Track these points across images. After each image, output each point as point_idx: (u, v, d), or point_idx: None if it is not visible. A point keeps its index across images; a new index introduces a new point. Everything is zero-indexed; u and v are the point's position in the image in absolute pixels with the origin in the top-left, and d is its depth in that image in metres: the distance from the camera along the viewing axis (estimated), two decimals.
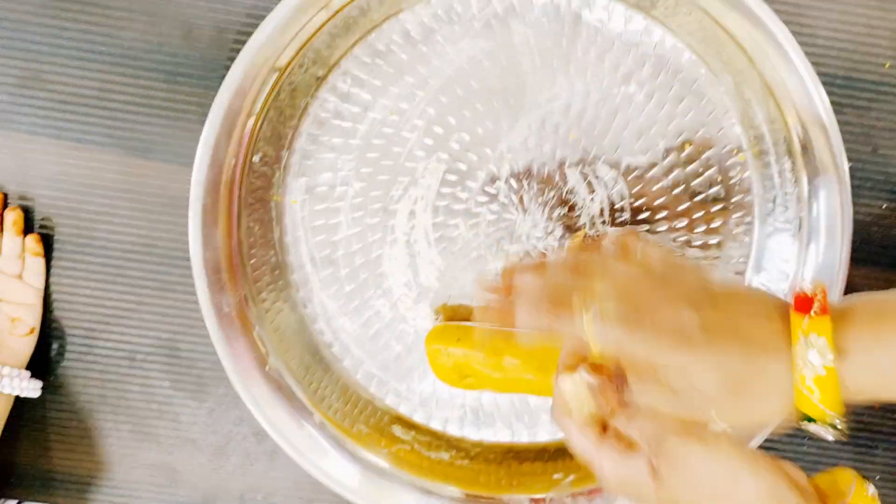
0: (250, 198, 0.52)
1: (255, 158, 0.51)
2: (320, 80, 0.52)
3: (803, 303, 0.37)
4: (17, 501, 0.57)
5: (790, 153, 0.51)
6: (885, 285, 0.56)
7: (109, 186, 0.55)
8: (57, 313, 0.56)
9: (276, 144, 0.52)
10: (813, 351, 0.35)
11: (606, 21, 0.51)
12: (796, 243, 0.52)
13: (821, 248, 0.51)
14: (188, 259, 0.55)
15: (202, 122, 0.54)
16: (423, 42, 0.52)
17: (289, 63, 0.50)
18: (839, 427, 0.36)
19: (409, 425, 0.55)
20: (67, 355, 0.57)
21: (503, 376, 0.51)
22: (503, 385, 0.52)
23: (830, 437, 0.37)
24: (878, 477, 0.58)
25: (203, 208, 0.49)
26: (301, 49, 0.50)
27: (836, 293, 0.49)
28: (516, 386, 0.52)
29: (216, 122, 0.49)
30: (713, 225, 0.53)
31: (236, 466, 0.58)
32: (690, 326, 0.37)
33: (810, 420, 0.36)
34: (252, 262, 0.52)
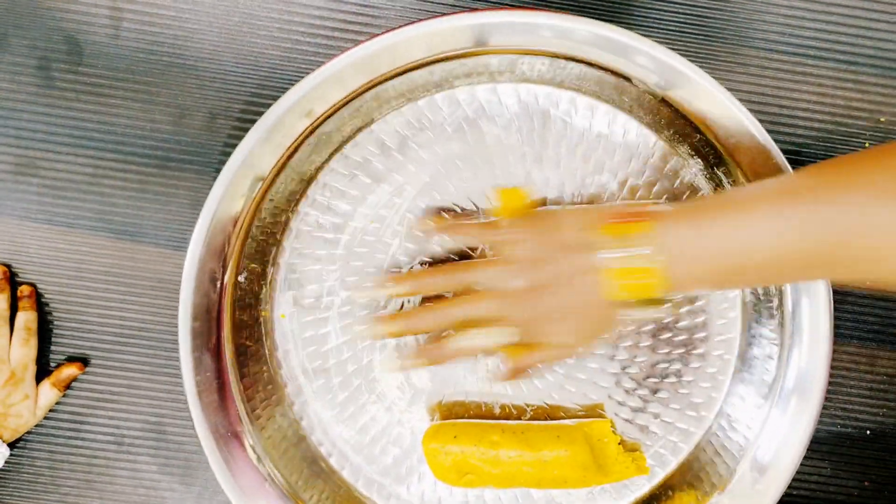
0: (239, 316, 0.52)
1: (241, 278, 0.52)
2: (299, 195, 0.52)
3: (623, 216, 0.44)
4: None
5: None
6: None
7: (101, 270, 0.56)
8: None
9: (261, 261, 0.53)
10: (631, 249, 0.42)
11: (573, 114, 0.52)
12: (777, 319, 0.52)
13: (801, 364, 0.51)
14: (176, 342, 0.56)
15: (193, 207, 0.55)
16: (398, 150, 0.53)
17: (271, 180, 0.51)
18: (661, 307, 0.44)
19: None
20: (56, 440, 0.57)
21: (502, 471, 0.51)
22: (503, 480, 0.52)
23: (657, 315, 0.45)
24: (868, 432, 0.58)
25: (192, 332, 0.50)
26: (280, 162, 0.51)
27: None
28: (515, 480, 0.52)
29: (200, 242, 0.49)
30: (698, 304, 0.53)
31: None
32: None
33: (636, 306, 0.44)
34: (244, 379, 0.52)
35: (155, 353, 0.57)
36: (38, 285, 0.56)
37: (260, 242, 0.52)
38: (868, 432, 0.57)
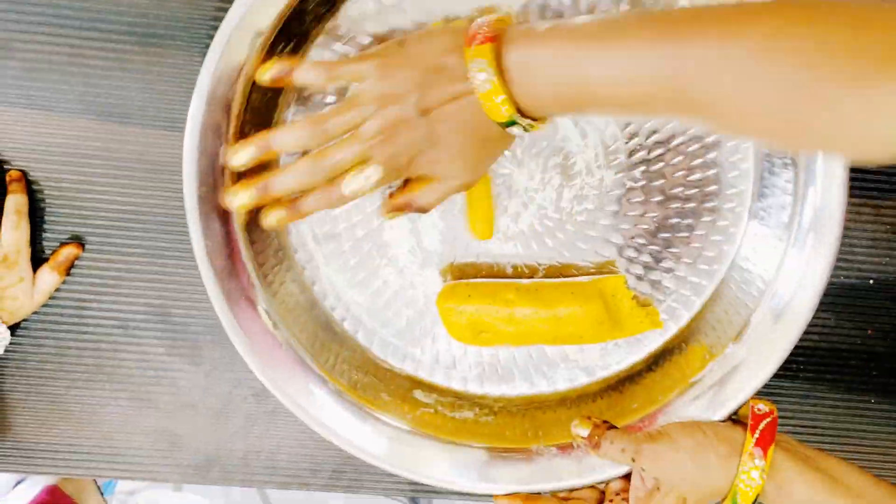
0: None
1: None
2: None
3: (471, 38, 0.42)
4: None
5: None
6: None
7: (89, 154, 0.54)
8: None
9: (268, 118, 0.51)
10: (480, 73, 0.41)
11: None
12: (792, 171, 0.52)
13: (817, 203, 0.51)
14: (176, 224, 0.55)
15: (179, 85, 0.53)
16: None
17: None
18: (526, 124, 0.43)
19: (430, 388, 0.55)
20: (60, 327, 0.56)
21: (516, 329, 0.52)
22: (518, 338, 0.52)
23: (525, 133, 0.43)
24: (872, 400, 0.60)
25: (199, 198, 0.48)
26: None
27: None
28: (530, 337, 0.52)
29: (202, 100, 0.47)
30: (709, 156, 0.53)
31: (237, 427, 0.58)
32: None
33: (509, 125, 0.43)
34: (254, 244, 0.51)
35: (152, 235, 0.55)
36: (27, 171, 0.54)
37: (265, 98, 0.50)
38: (871, 281, 0.58)
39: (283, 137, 0.45)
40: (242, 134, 0.49)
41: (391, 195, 0.48)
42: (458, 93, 0.42)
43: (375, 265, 0.53)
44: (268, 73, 0.46)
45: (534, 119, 0.43)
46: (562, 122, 0.52)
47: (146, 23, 0.53)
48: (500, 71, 0.41)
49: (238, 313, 0.50)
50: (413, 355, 0.55)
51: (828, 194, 0.49)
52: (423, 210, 0.47)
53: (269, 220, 0.46)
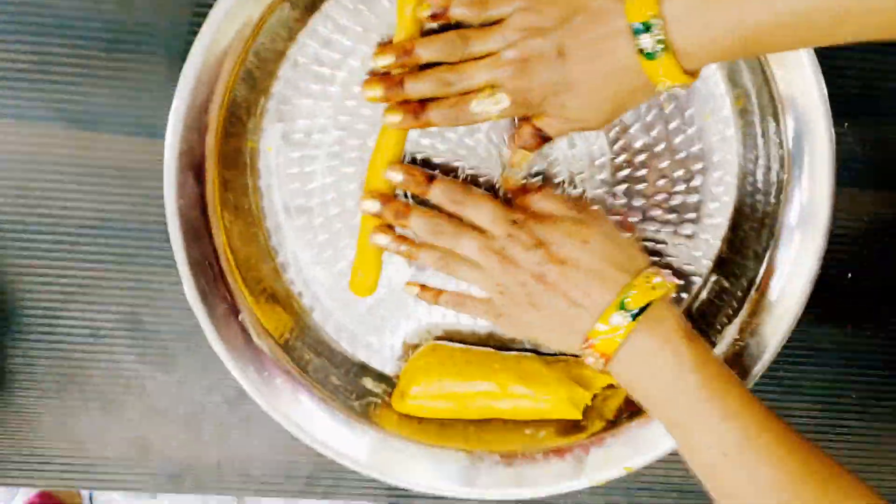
0: (225, 144, 0.51)
1: (234, 98, 0.50)
2: (300, 24, 0.50)
3: None
4: None
5: (775, 114, 0.50)
6: None
7: (56, 161, 0.54)
8: (13, 294, 0.55)
9: (253, 89, 0.51)
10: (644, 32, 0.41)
11: None
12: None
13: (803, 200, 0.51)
14: (144, 230, 0.54)
15: (148, 90, 0.53)
16: None
17: (271, 3, 0.48)
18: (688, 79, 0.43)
19: (380, 378, 0.55)
20: (30, 336, 0.56)
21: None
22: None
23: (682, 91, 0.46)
24: (854, 395, 0.59)
25: (179, 155, 0.48)
26: None
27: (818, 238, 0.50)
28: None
29: (196, 65, 0.47)
30: (693, 183, 0.53)
31: (211, 435, 0.58)
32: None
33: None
34: (225, 212, 0.51)
35: (122, 242, 0.55)
36: None
37: (253, 70, 0.50)
38: (849, 275, 0.58)
39: (425, 46, 0.47)
40: (226, 133, 0.50)
41: (518, 129, 0.48)
42: (604, 35, 0.42)
43: (343, 245, 0.53)
44: (427, 11, 0.47)
45: (690, 73, 0.43)
46: None
47: (113, 28, 0.53)
48: (663, 21, 0.40)
49: (218, 323, 0.50)
50: (369, 343, 0.54)
51: (815, 193, 0.50)
52: (548, 140, 0.48)
53: (391, 119, 0.48)
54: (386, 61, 0.48)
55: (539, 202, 0.49)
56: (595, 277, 0.45)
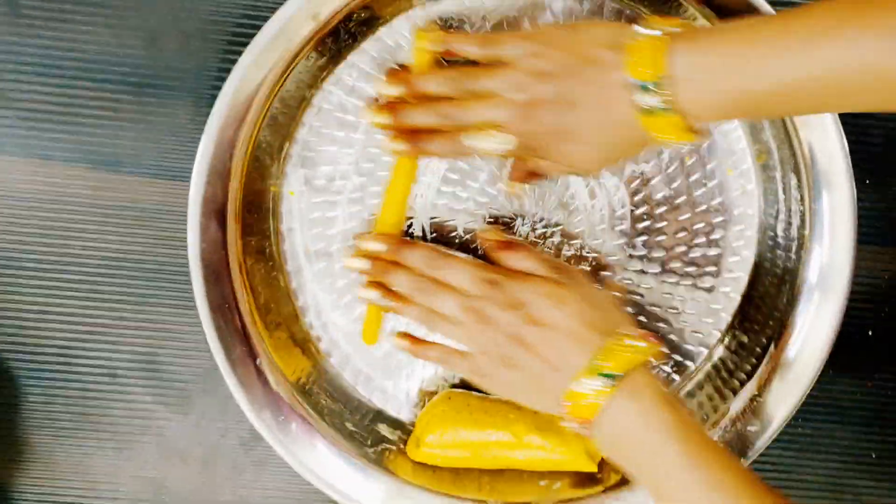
0: (248, 186, 0.51)
1: (258, 143, 0.51)
2: (326, 72, 0.51)
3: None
4: None
5: (796, 169, 0.50)
6: None
7: (79, 202, 0.54)
8: (31, 332, 0.55)
9: (278, 134, 0.51)
10: (644, 92, 0.41)
11: None
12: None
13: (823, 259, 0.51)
14: (162, 272, 0.55)
15: (172, 133, 0.54)
16: None
17: (298, 52, 0.49)
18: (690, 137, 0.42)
19: (395, 424, 0.54)
20: (46, 374, 0.56)
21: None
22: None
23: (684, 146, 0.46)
24: (874, 455, 0.58)
25: (203, 201, 0.48)
26: (311, 40, 0.49)
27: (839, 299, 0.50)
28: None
29: (223, 110, 0.48)
30: (713, 237, 0.53)
31: (224, 477, 0.57)
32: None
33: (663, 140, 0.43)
34: (246, 256, 0.51)
35: (141, 283, 0.55)
36: (14, 219, 0.54)
37: (278, 116, 0.51)
38: (870, 332, 0.57)
39: (430, 80, 0.48)
40: (250, 178, 0.50)
41: (514, 166, 0.50)
42: (608, 87, 0.43)
43: None
44: (430, 43, 0.48)
45: (693, 131, 0.43)
46: (573, 179, 0.52)
47: (140, 72, 0.53)
48: (668, 81, 0.41)
49: (236, 366, 0.50)
50: (384, 388, 0.54)
51: (836, 251, 0.50)
52: (543, 178, 0.50)
53: (394, 147, 0.49)
54: (394, 91, 0.49)
55: (518, 261, 0.49)
56: (571, 339, 0.44)
